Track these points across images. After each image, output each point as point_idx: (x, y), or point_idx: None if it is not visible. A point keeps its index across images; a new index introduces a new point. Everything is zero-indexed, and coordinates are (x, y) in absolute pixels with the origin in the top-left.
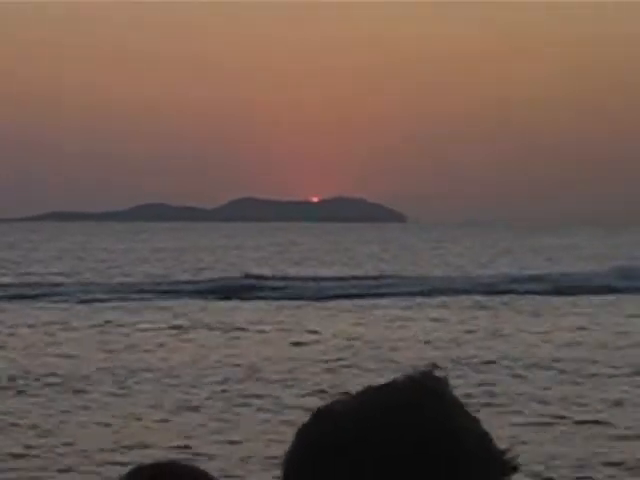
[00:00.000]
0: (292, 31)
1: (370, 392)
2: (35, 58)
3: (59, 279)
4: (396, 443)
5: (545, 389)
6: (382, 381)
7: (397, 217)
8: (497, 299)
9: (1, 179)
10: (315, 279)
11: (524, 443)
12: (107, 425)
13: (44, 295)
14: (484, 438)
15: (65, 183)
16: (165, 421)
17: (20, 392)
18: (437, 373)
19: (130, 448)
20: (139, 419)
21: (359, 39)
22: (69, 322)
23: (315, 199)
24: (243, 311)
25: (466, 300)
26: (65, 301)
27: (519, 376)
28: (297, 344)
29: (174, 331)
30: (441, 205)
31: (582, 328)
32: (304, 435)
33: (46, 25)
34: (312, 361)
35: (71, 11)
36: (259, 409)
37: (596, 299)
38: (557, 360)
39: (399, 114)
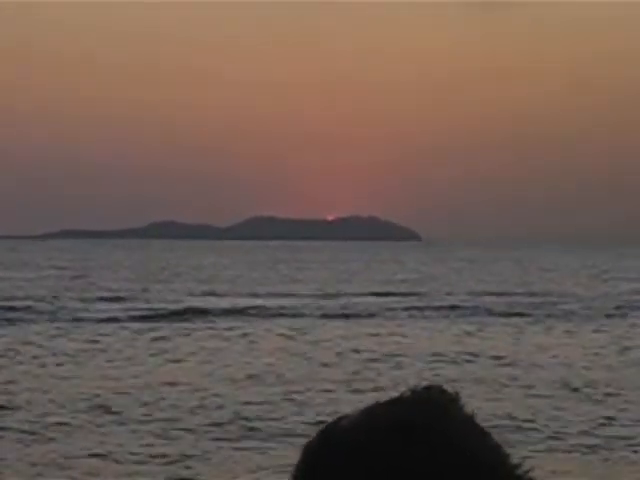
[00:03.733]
0: (308, 46)
1: (376, 408)
2: (52, 74)
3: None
4: (402, 458)
5: None
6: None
7: (411, 235)
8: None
9: (16, 196)
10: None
11: None
12: None
13: None
14: (495, 451)
15: (78, 200)
16: None
17: None
18: (446, 387)
19: None
20: None
21: (377, 54)
22: None
23: (330, 217)
24: None
25: None
26: None
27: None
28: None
29: None
30: (454, 223)
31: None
32: (310, 450)
33: (64, 38)
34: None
35: (87, 21)
36: None
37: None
38: None
39: (413, 131)
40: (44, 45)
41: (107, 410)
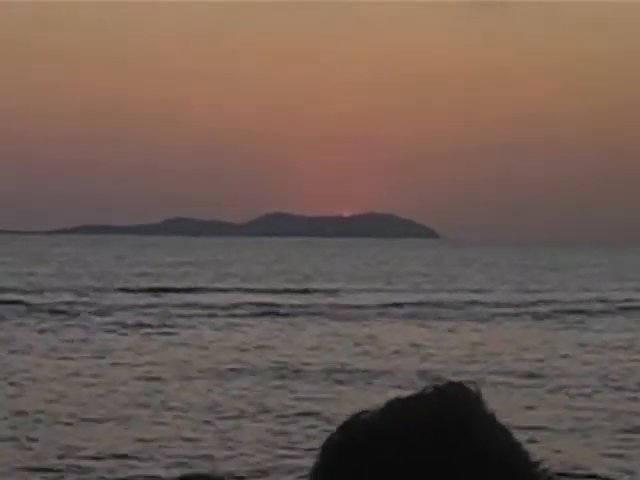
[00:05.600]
0: (321, 43)
1: (397, 404)
2: (69, 71)
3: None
4: (423, 454)
5: None
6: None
7: (428, 233)
8: None
9: (34, 192)
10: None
11: None
12: None
13: None
14: (514, 449)
15: (96, 196)
16: None
17: None
18: (467, 384)
19: None
20: None
21: (391, 52)
22: None
23: (346, 214)
24: None
25: None
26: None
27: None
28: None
29: None
30: (471, 221)
31: None
32: (331, 445)
33: (76, 37)
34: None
35: (99, 18)
36: None
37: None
38: None
39: (428, 129)
40: (54, 42)
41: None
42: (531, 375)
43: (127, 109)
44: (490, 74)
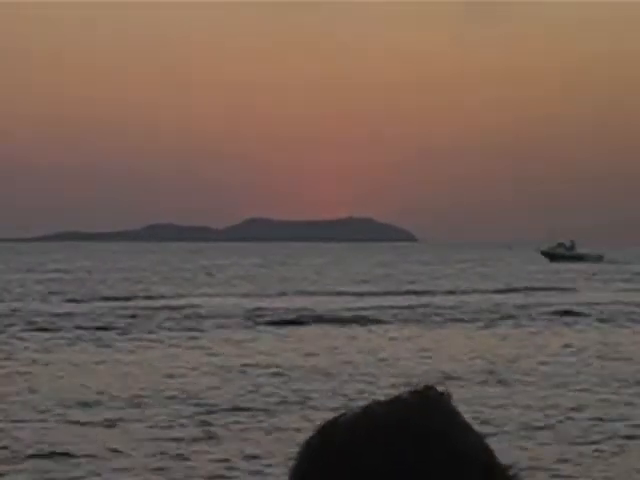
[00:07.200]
0: (307, 46)
1: (377, 407)
2: (49, 75)
3: None
4: (401, 458)
5: None
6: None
7: (407, 237)
8: None
9: (12, 199)
10: None
11: None
12: None
13: None
14: (488, 452)
15: (76, 203)
16: None
17: None
18: (440, 388)
19: None
20: None
21: (373, 55)
22: None
23: (325, 218)
24: None
25: None
26: None
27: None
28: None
29: None
30: (450, 224)
31: None
32: (309, 447)
33: (61, 39)
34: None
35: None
36: None
37: None
38: None
39: (411, 132)
40: (41, 45)
41: None
42: None
43: (108, 113)
44: (484, 74)
